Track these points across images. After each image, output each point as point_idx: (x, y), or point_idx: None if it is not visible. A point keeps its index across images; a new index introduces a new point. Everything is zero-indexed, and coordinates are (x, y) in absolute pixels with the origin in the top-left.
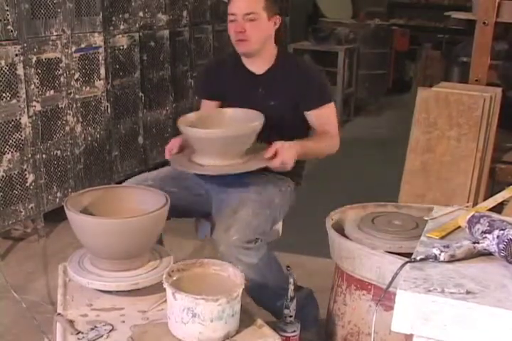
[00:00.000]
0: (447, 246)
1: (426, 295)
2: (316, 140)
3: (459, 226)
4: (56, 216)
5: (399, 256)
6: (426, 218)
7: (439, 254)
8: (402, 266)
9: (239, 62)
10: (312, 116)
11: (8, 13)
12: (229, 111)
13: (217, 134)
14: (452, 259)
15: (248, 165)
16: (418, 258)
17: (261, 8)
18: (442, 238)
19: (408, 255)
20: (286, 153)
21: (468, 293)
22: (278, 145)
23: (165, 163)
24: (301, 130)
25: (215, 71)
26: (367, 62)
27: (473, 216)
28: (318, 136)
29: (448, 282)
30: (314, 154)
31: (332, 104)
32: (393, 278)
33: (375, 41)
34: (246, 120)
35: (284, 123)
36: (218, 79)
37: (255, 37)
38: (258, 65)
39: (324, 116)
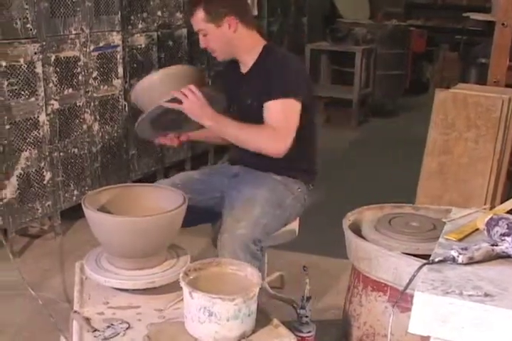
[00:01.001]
0: (466, 249)
1: (444, 297)
2: (250, 128)
3: (477, 229)
4: (73, 214)
5: (416, 258)
6: (444, 220)
7: (458, 256)
8: (420, 267)
9: (237, 62)
10: (264, 107)
11: (27, 11)
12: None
13: None
14: (470, 261)
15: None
16: (436, 260)
17: (204, 23)
18: (460, 240)
19: (425, 257)
20: (194, 106)
21: (486, 295)
22: (190, 99)
23: (181, 163)
24: None
25: (226, 70)
26: (384, 62)
27: (491, 218)
28: (258, 126)
29: (466, 284)
30: (237, 139)
31: (289, 101)
32: (411, 280)
33: (393, 42)
34: None
35: (261, 123)
36: (225, 79)
37: (216, 47)
38: (244, 64)
39: (273, 110)
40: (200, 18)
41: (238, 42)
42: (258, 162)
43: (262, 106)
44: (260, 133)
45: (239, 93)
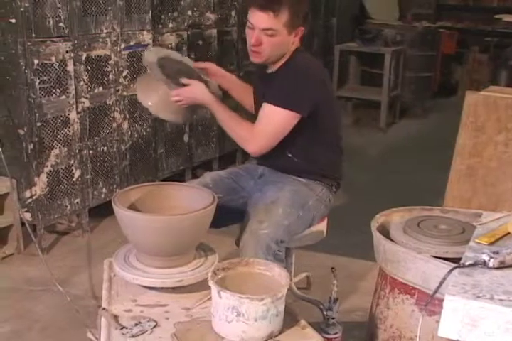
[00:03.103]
0: (497, 252)
1: (474, 301)
2: (235, 120)
3: (509, 233)
4: (101, 211)
5: (445, 261)
6: (475, 223)
7: (489, 260)
8: (451, 271)
9: None
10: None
11: (60, 10)
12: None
13: None
14: (502, 266)
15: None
16: (467, 263)
17: (281, 24)
18: (491, 244)
19: (453, 260)
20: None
21: None
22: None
23: (209, 162)
24: (299, 132)
25: (257, 68)
26: (413, 64)
27: None
28: (243, 121)
29: (497, 288)
30: (223, 126)
31: (281, 111)
32: (441, 283)
33: (422, 43)
34: None
35: None
36: (255, 76)
37: (270, 51)
38: (273, 64)
39: (262, 111)
40: (282, 18)
41: (287, 50)
42: (282, 163)
43: None
44: (239, 129)
45: (260, 91)
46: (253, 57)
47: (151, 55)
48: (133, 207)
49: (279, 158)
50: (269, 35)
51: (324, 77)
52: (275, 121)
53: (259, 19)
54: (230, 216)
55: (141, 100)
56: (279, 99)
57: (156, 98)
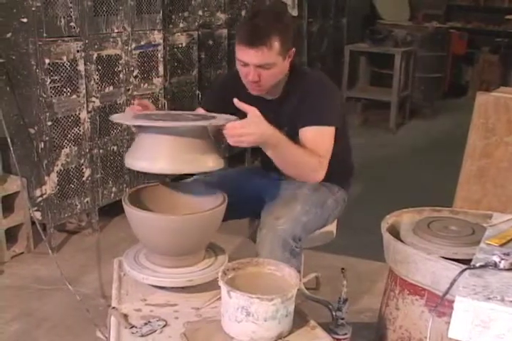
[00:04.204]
0: (508, 254)
1: (485, 302)
2: (301, 148)
3: None
4: (110, 210)
5: (455, 262)
6: (485, 225)
7: (499, 262)
8: (461, 272)
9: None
10: (301, 134)
11: (71, 10)
12: None
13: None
14: None
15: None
16: (477, 265)
17: (275, 55)
18: (502, 245)
19: (463, 261)
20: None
21: None
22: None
23: None
24: None
25: (231, 86)
26: (423, 65)
27: None
28: (306, 151)
29: (508, 290)
30: (288, 160)
31: (326, 129)
32: (451, 284)
33: (433, 44)
34: None
35: None
36: (230, 96)
37: (270, 83)
38: (272, 91)
39: (310, 138)
40: (274, 49)
41: (285, 74)
42: None
43: (297, 132)
44: (307, 160)
45: (268, 119)
46: (253, 90)
47: (122, 117)
48: (143, 206)
49: None
50: (267, 69)
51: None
52: (326, 141)
53: (252, 57)
54: (235, 212)
55: (143, 168)
56: (319, 120)
57: (166, 156)
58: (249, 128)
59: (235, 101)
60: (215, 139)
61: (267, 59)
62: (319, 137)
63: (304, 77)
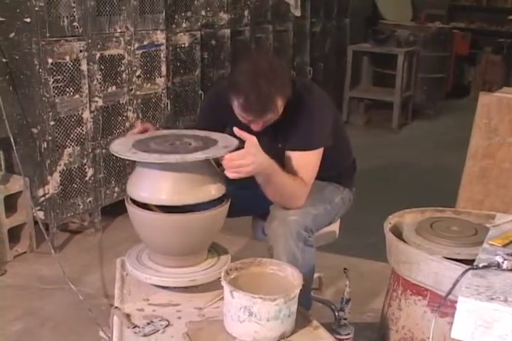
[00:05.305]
0: (511, 255)
1: (488, 303)
2: (291, 177)
3: None
4: (113, 210)
5: (457, 263)
6: (488, 225)
7: (502, 262)
8: (464, 272)
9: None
10: (287, 156)
11: (74, 9)
12: None
13: None
14: None
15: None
16: (480, 265)
17: (279, 109)
18: (505, 246)
19: (466, 262)
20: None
21: None
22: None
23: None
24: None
25: (224, 99)
26: (426, 65)
27: None
28: (292, 177)
29: (511, 291)
30: (277, 188)
31: (313, 153)
32: (454, 285)
33: (435, 44)
34: None
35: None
36: (224, 109)
37: (271, 122)
38: None
39: (295, 163)
40: (279, 106)
41: None
42: None
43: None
44: (295, 189)
45: (263, 137)
46: (253, 127)
47: (120, 148)
48: (145, 206)
49: None
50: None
51: (324, 94)
52: (312, 164)
53: (259, 121)
54: (239, 210)
55: (143, 199)
56: (306, 144)
57: (166, 189)
58: (247, 159)
59: (235, 130)
60: (215, 160)
61: (273, 118)
62: (305, 162)
63: (299, 97)
